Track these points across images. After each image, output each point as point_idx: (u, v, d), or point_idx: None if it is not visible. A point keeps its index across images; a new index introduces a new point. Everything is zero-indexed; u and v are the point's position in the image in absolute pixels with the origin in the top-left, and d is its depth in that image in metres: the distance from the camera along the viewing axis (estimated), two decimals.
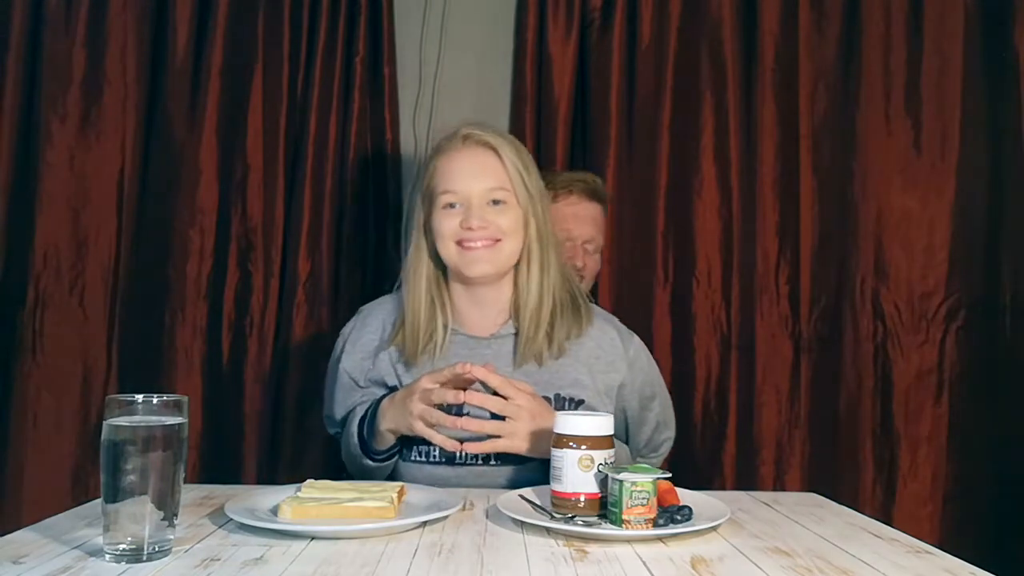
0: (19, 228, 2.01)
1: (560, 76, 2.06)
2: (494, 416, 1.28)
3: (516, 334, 1.42)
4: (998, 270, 2.04)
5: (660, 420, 1.50)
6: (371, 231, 2.07)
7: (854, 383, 2.04)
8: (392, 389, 1.40)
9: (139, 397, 0.93)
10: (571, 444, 1.08)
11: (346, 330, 1.51)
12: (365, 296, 2.03)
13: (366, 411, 1.39)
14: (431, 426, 1.27)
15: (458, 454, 1.32)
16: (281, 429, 2.00)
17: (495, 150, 1.39)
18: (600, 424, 1.09)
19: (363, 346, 1.46)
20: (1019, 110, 2.03)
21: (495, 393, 1.27)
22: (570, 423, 1.09)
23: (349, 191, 2.05)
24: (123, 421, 0.91)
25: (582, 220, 1.84)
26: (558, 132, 2.05)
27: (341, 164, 2.05)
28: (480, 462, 1.35)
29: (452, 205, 1.37)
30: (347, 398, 1.45)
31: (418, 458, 1.37)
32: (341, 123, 2.06)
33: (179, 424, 0.93)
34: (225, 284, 2.03)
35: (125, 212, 2.04)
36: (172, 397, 0.95)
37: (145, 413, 0.93)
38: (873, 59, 2.07)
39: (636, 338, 1.48)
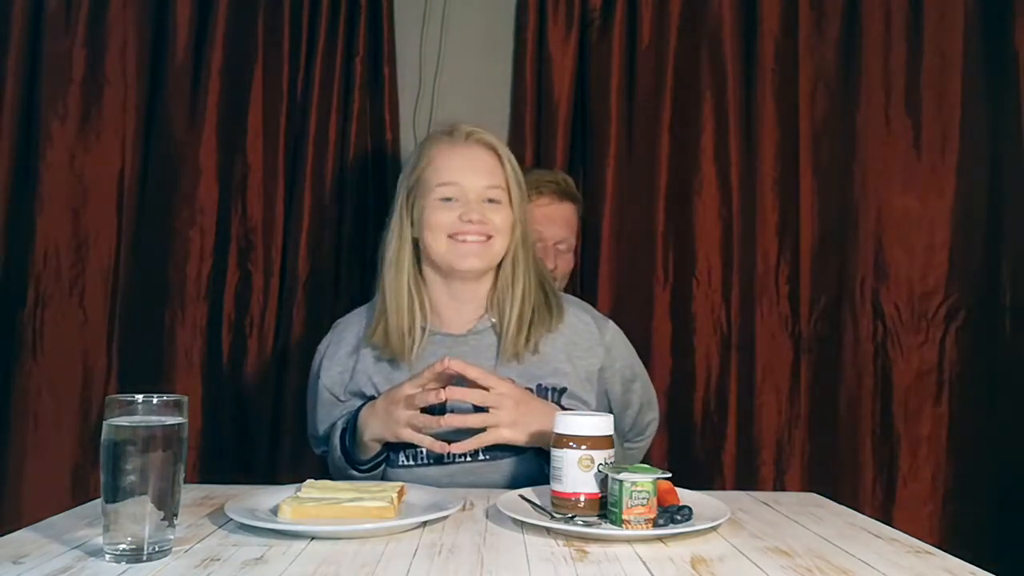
0: (19, 228, 2.01)
1: (560, 76, 2.06)
2: (478, 410, 1.27)
3: (495, 328, 1.42)
4: (998, 270, 2.04)
5: (643, 401, 1.51)
6: (371, 231, 2.07)
7: (854, 383, 2.04)
8: (370, 399, 1.39)
9: (139, 397, 0.93)
10: (571, 444, 1.08)
11: (322, 347, 1.50)
12: (365, 296, 2.04)
13: (346, 423, 1.38)
14: (419, 431, 1.27)
15: (447, 454, 1.32)
16: (281, 429, 2.00)
17: (496, 151, 1.41)
18: (600, 424, 1.09)
19: (340, 360, 1.45)
20: (1019, 110, 2.03)
21: (476, 387, 1.27)
22: (570, 423, 1.09)
23: (349, 191, 2.05)
24: (123, 421, 0.91)
25: (554, 221, 1.84)
26: (558, 132, 2.05)
27: (341, 164, 2.05)
28: (469, 459, 1.34)
29: (448, 199, 1.37)
30: (329, 413, 1.44)
31: (406, 462, 1.36)
32: (341, 123, 2.06)
33: (179, 424, 0.93)
34: (225, 284, 2.03)
35: (125, 212, 2.04)
36: (172, 397, 0.95)
37: (145, 413, 0.93)
38: (873, 59, 2.07)
39: (611, 323, 1.49)
